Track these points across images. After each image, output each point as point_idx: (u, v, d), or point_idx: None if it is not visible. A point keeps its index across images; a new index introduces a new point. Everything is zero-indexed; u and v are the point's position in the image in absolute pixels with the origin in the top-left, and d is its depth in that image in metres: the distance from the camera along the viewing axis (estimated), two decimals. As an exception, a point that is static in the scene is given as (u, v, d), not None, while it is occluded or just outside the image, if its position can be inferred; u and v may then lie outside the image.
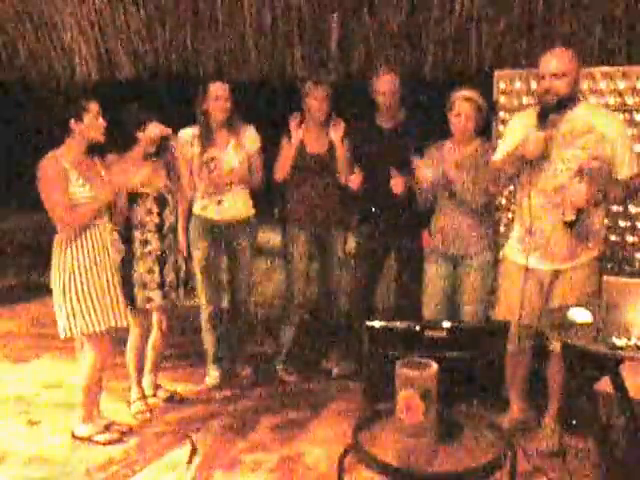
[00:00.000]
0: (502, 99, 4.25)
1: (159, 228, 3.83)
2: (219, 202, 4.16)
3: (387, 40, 5.09)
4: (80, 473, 3.31)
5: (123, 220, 3.71)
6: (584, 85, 3.95)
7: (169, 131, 3.82)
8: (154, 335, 4.03)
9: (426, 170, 3.74)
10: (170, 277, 3.90)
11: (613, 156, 3.20)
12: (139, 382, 4.00)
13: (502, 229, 4.21)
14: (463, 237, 3.79)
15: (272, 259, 5.59)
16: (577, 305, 2.93)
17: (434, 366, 2.19)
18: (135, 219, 3.75)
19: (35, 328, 5.42)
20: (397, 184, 3.93)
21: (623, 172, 3.22)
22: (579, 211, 3.13)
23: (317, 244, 4.38)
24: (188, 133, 4.13)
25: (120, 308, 3.55)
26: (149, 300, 3.83)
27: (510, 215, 4.22)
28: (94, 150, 3.52)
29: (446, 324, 2.64)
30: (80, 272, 3.40)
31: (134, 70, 5.88)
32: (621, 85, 3.89)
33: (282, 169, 4.26)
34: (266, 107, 5.44)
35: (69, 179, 3.35)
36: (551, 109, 3.19)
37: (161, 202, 3.81)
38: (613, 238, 4.00)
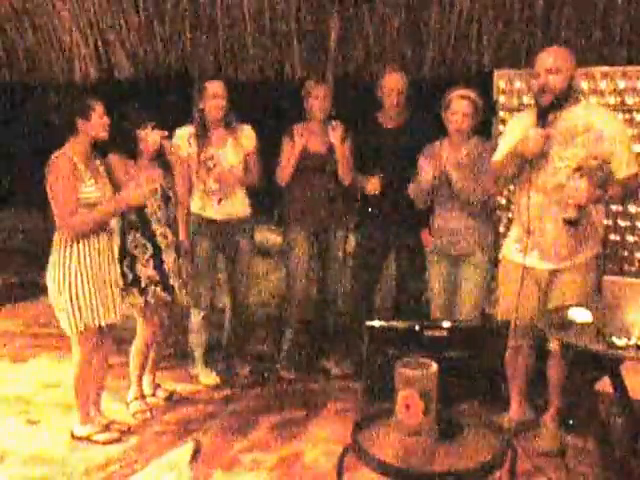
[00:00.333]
0: (502, 98, 4.26)
1: (169, 223, 3.85)
2: (219, 201, 4.16)
3: (387, 39, 5.09)
4: (79, 472, 3.30)
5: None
6: (584, 85, 3.96)
7: (165, 133, 3.82)
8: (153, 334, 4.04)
9: (428, 170, 3.75)
10: (146, 273, 3.86)
11: (611, 155, 3.20)
12: (139, 382, 4.00)
13: (502, 229, 4.21)
14: (461, 237, 3.80)
15: (272, 259, 5.59)
16: (576, 304, 2.93)
17: (434, 366, 2.19)
18: (151, 214, 3.75)
19: (33, 327, 5.41)
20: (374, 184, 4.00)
21: (622, 171, 3.22)
22: (579, 209, 3.12)
23: (317, 244, 4.38)
24: (185, 132, 4.13)
25: (113, 305, 3.53)
26: (173, 291, 3.82)
27: (510, 215, 4.22)
28: (96, 150, 3.52)
29: (446, 324, 2.66)
30: (83, 268, 3.39)
31: (133, 70, 5.88)
32: (621, 85, 3.90)
33: (285, 173, 4.25)
34: (266, 106, 5.44)
35: (81, 178, 3.35)
36: (548, 108, 3.20)
37: (165, 199, 3.82)
38: (613, 237, 4.01)
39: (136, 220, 3.73)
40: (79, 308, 3.39)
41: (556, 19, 4.57)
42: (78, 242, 3.39)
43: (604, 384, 2.93)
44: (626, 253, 4.00)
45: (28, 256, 6.68)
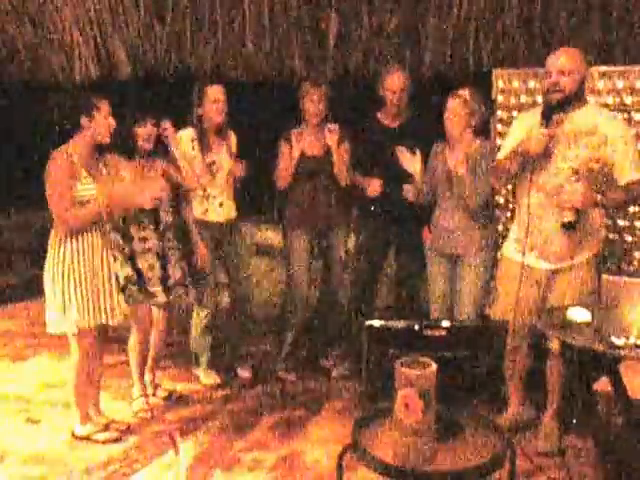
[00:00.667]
0: (500, 98, 4.26)
1: (156, 225, 3.84)
2: (220, 204, 4.19)
3: (386, 39, 5.09)
4: (79, 472, 3.31)
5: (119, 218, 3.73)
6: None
7: (167, 125, 3.82)
8: (153, 333, 4.04)
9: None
10: (176, 275, 3.92)
11: (614, 160, 3.19)
12: (140, 379, 4.00)
13: (500, 228, 4.22)
14: (461, 237, 3.80)
15: (272, 259, 5.60)
16: (576, 304, 2.94)
17: (433, 365, 2.19)
18: (131, 217, 3.76)
19: (34, 327, 5.40)
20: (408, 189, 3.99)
21: (624, 176, 3.19)
22: (577, 212, 3.11)
23: (317, 245, 4.38)
24: (188, 134, 4.11)
25: (113, 306, 3.54)
26: (152, 296, 3.85)
27: (508, 214, 4.23)
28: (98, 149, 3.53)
29: (445, 323, 2.65)
30: (75, 267, 3.39)
31: (133, 70, 5.88)
32: (619, 85, 3.90)
33: (284, 178, 4.25)
34: (265, 106, 5.44)
35: (78, 176, 3.36)
36: (555, 108, 3.20)
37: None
38: (611, 237, 4.01)
39: (117, 221, 3.74)
40: (70, 307, 3.39)
41: (554, 19, 4.57)
42: (72, 241, 3.39)
43: (603, 384, 2.94)
44: (625, 252, 4.01)
45: (28, 256, 6.69)
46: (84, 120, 3.37)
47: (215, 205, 4.18)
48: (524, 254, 3.34)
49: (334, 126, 4.18)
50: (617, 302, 2.59)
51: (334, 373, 4.46)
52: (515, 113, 4.09)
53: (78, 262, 3.40)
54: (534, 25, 4.65)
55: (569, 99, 3.20)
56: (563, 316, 2.82)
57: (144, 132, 3.78)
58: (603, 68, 3.99)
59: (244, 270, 4.40)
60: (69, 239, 3.39)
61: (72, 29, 5.91)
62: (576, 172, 3.11)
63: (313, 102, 4.16)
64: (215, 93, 4.06)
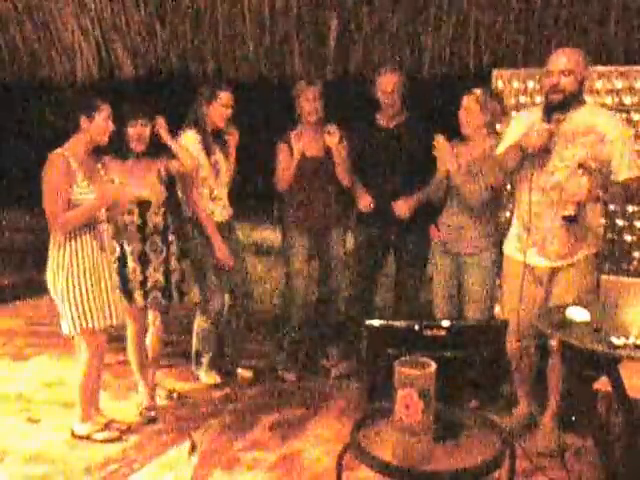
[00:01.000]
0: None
1: (140, 229, 3.83)
2: (224, 205, 4.22)
3: (385, 39, 5.10)
4: (79, 471, 3.31)
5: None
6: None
7: (159, 122, 3.83)
8: (149, 334, 4.05)
9: (450, 157, 3.75)
10: (155, 278, 3.88)
11: (612, 158, 3.21)
12: (144, 378, 3.98)
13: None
14: (466, 236, 3.80)
15: (271, 258, 5.60)
16: (575, 303, 2.94)
17: (433, 365, 2.19)
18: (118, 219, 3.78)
19: (35, 326, 5.42)
20: (401, 207, 4.05)
21: (622, 174, 3.22)
22: (578, 206, 3.13)
23: (316, 245, 4.38)
24: (193, 135, 4.07)
25: (117, 305, 3.56)
26: (132, 299, 3.85)
27: (507, 214, 4.23)
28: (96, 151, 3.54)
29: (445, 323, 2.65)
30: (77, 268, 3.40)
31: (134, 69, 5.88)
32: (618, 85, 3.90)
33: (284, 180, 4.25)
34: (265, 106, 5.44)
35: (74, 179, 3.36)
36: (556, 107, 3.21)
37: (142, 203, 3.80)
38: (611, 237, 4.01)
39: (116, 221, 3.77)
40: (75, 309, 3.40)
41: (554, 19, 4.57)
42: (70, 243, 3.40)
43: (603, 383, 2.94)
44: (624, 252, 4.01)
45: (29, 255, 6.70)
46: (83, 120, 3.38)
47: (220, 206, 4.20)
48: (524, 253, 3.35)
49: (333, 128, 4.16)
50: (616, 302, 2.60)
51: (334, 373, 4.46)
52: (514, 113, 4.09)
53: (77, 264, 3.41)
54: (534, 25, 4.65)
55: (569, 99, 3.21)
56: (562, 316, 2.82)
57: (135, 132, 3.76)
58: (602, 68, 3.99)
59: (244, 270, 4.40)
60: (68, 241, 3.40)
61: (74, 29, 5.91)
62: (582, 166, 3.12)
63: (309, 101, 4.16)
64: (226, 99, 4.06)
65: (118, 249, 3.81)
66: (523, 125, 3.36)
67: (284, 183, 4.25)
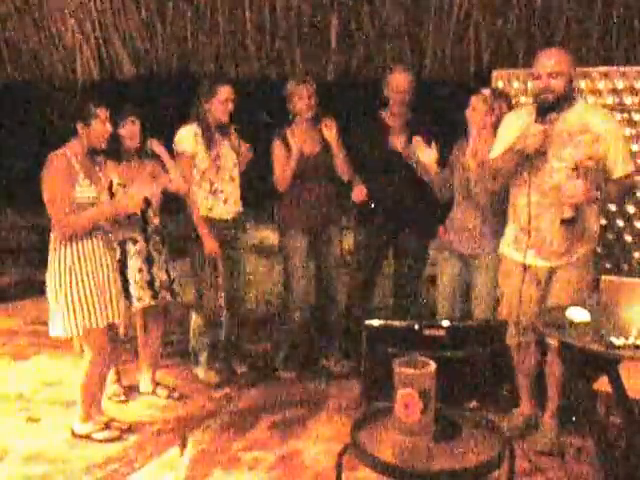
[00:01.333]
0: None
1: (143, 228, 3.90)
2: (225, 201, 4.18)
3: (386, 39, 5.10)
4: (79, 470, 3.31)
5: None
6: (582, 85, 3.97)
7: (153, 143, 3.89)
8: (151, 332, 4.07)
9: (424, 152, 3.76)
10: (161, 277, 3.96)
11: (608, 156, 3.24)
12: (115, 369, 4.07)
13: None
14: (476, 237, 3.79)
15: (271, 257, 5.60)
16: (573, 302, 2.94)
17: (432, 365, 2.19)
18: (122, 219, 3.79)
19: (35, 325, 5.42)
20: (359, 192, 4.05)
21: (617, 171, 3.27)
22: (576, 208, 3.15)
23: (314, 244, 4.37)
24: (190, 130, 4.10)
25: (118, 304, 3.56)
26: (140, 299, 3.90)
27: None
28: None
29: (445, 323, 2.65)
30: (79, 269, 3.40)
31: (135, 69, 5.88)
32: (619, 85, 3.90)
33: (285, 179, 4.23)
34: (266, 105, 5.44)
35: (76, 178, 3.36)
36: (549, 107, 3.21)
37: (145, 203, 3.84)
38: (610, 237, 4.02)
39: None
40: (74, 310, 3.40)
41: (555, 19, 4.57)
42: (72, 243, 3.39)
43: (603, 383, 2.94)
44: (624, 252, 4.01)
45: (29, 254, 6.70)
46: (80, 126, 3.37)
47: (220, 201, 4.17)
48: (523, 253, 3.35)
49: (330, 121, 4.14)
50: (616, 302, 2.60)
51: (333, 372, 4.45)
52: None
53: (80, 264, 3.41)
54: (534, 25, 4.65)
55: (560, 100, 3.22)
56: (562, 316, 2.82)
57: (126, 132, 3.83)
58: (603, 68, 3.99)
59: (245, 269, 4.40)
60: (72, 241, 3.39)
61: (73, 29, 5.91)
62: (576, 169, 3.13)
63: (303, 98, 4.15)
64: (226, 93, 4.07)
65: (119, 250, 3.83)
66: (515, 127, 3.36)
67: (284, 183, 4.24)
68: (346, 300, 4.50)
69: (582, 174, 3.12)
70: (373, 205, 4.19)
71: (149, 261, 3.93)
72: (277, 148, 4.25)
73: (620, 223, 3.99)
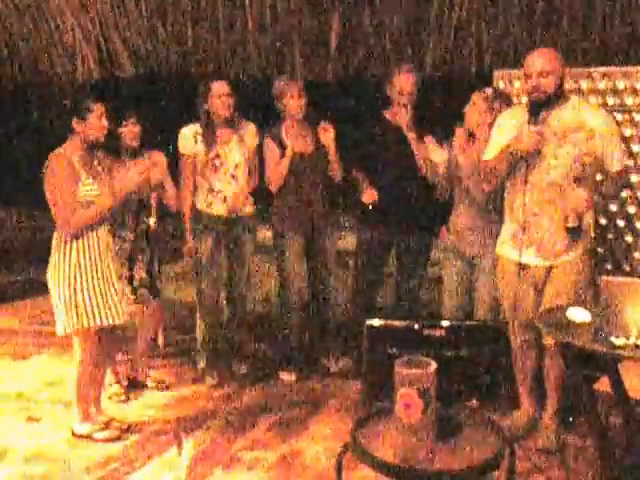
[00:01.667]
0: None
1: (133, 228, 3.95)
2: (224, 199, 4.18)
3: (387, 40, 5.10)
4: (79, 470, 3.31)
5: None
6: (583, 85, 3.97)
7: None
8: (141, 327, 4.12)
9: (436, 152, 3.76)
10: (140, 275, 4.00)
11: (603, 152, 3.26)
12: (114, 369, 4.11)
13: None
14: (477, 237, 3.79)
15: (270, 256, 5.59)
16: (571, 301, 2.95)
17: (433, 364, 2.20)
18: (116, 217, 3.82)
19: (35, 325, 5.42)
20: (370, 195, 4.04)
21: (614, 166, 3.29)
22: (580, 217, 3.19)
23: (309, 243, 4.35)
24: (191, 130, 4.13)
25: (120, 305, 3.56)
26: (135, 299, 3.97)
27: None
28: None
29: (445, 323, 2.66)
30: (83, 268, 3.40)
31: (135, 68, 5.89)
32: (620, 85, 3.90)
33: (277, 179, 4.20)
34: (266, 105, 5.44)
35: (79, 176, 3.36)
36: (541, 105, 3.22)
37: (140, 203, 3.93)
38: (611, 237, 4.02)
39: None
40: (77, 307, 3.40)
41: (556, 19, 4.58)
42: (77, 241, 3.40)
43: (603, 383, 2.94)
44: (624, 253, 4.01)
45: (30, 254, 6.70)
46: (75, 122, 3.37)
47: (219, 199, 4.17)
48: (520, 252, 3.35)
49: (328, 125, 4.12)
50: (616, 302, 2.60)
51: (334, 372, 4.45)
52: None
53: (84, 264, 3.41)
54: (535, 26, 4.65)
55: (551, 99, 3.23)
56: (562, 316, 2.82)
57: (127, 131, 3.87)
58: (604, 68, 3.99)
59: (249, 271, 4.39)
60: (74, 240, 3.40)
61: (74, 28, 5.92)
62: (577, 179, 3.16)
63: (293, 98, 4.13)
64: (219, 88, 4.06)
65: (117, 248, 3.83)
66: (509, 128, 3.36)
67: (277, 182, 4.21)
68: (348, 300, 4.49)
69: (583, 183, 3.16)
70: (371, 207, 4.18)
71: (131, 260, 3.97)
72: (269, 147, 4.22)
73: (621, 223, 4.00)
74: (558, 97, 3.25)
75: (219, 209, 4.19)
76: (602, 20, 4.46)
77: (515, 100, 4.16)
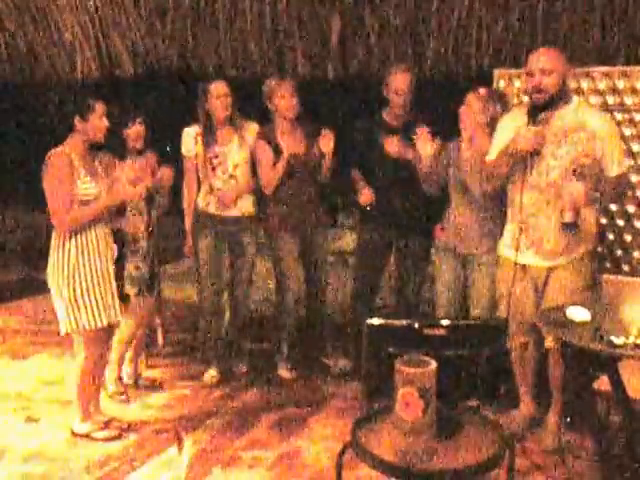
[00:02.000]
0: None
1: (147, 226, 3.94)
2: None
3: (387, 39, 5.10)
4: (79, 470, 3.31)
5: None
6: (583, 85, 3.97)
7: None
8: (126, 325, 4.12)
9: (424, 144, 3.76)
10: (149, 273, 4.03)
11: (603, 154, 3.24)
12: (118, 367, 4.11)
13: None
14: (473, 236, 3.78)
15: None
16: (572, 301, 2.95)
17: (433, 364, 2.20)
18: (127, 218, 3.83)
19: (34, 324, 5.42)
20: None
21: (613, 169, 3.26)
22: (577, 211, 3.13)
23: (304, 244, 4.35)
24: (191, 131, 4.14)
25: (116, 304, 3.56)
26: (137, 294, 3.96)
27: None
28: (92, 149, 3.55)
29: (445, 322, 2.65)
30: (83, 267, 3.40)
31: (135, 67, 5.89)
32: (620, 85, 3.90)
33: (272, 181, 4.17)
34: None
35: (78, 176, 3.36)
36: (541, 107, 3.22)
37: (149, 201, 3.91)
38: (611, 237, 4.02)
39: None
40: (78, 307, 3.40)
41: (556, 19, 4.57)
42: (76, 241, 3.40)
43: (603, 383, 2.94)
44: (624, 252, 4.01)
45: (29, 253, 6.70)
46: (77, 121, 3.38)
47: (217, 199, 4.17)
48: (519, 252, 3.35)
49: (328, 132, 4.10)
50: (616, 301, 2.60)
51: (334, 371, 4.45)
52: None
53: (83, 263, 3.41)
54: (536, 25, 4.65)
55: (553, 98, 3.22)
56: (563, 315, 2.82)
57: (133, 132, 3.87)
58: (604, 68, 3.99)
59: (251, 272, 4.39)
60: (73, 239, 3.39)
61: (73, 27, 5.91)
62: (575, 172, 3.14)
63: (285, 98, 4.10)
64: (218, 89, 4.06)
65: (115, 248, 3.82)
66: (509, 129, 3.36)
67: (272, 185, 4.18)
68: (349, 300, 4.49)
69: (581, 178, 3.13)
70: (369, 208, 4.18)
71: (147, 259, 3.98)
72: (261, 149, 4.19)
73: (620, 223, 4.00)
74: (560, 98, 3.25)
75: (215, 209, 4.19)
76: (602, 20, 4.47)
77: (515, 100, 4.17)
